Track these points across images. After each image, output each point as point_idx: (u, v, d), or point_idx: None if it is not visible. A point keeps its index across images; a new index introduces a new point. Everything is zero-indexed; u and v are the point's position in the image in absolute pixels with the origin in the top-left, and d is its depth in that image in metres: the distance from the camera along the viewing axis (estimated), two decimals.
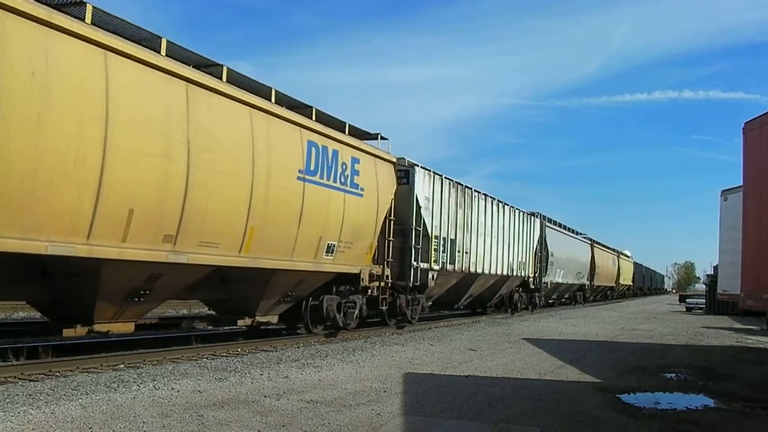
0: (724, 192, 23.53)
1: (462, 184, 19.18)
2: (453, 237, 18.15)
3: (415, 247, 15.89)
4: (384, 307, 15.39)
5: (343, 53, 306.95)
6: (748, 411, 7.63)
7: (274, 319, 12.82)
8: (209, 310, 13.92)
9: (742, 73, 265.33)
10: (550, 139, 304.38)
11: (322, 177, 12.14)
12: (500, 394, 7.91)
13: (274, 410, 6.57)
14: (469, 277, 20.12)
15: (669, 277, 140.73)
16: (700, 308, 37.13)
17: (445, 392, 7.95)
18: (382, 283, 14.99)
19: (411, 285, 16.06)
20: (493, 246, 21.78)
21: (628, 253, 63.77)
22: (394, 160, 15.37)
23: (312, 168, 11.83)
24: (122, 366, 9.13)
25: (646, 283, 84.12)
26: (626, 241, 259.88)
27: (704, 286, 44.38)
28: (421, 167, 16.31)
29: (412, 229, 15.82)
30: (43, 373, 8.19)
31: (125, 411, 6.25)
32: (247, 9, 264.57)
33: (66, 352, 9.65)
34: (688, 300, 43.05)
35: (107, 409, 6.31)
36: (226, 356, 10.56)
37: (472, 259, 19.78)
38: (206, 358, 10.33)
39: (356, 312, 14.27)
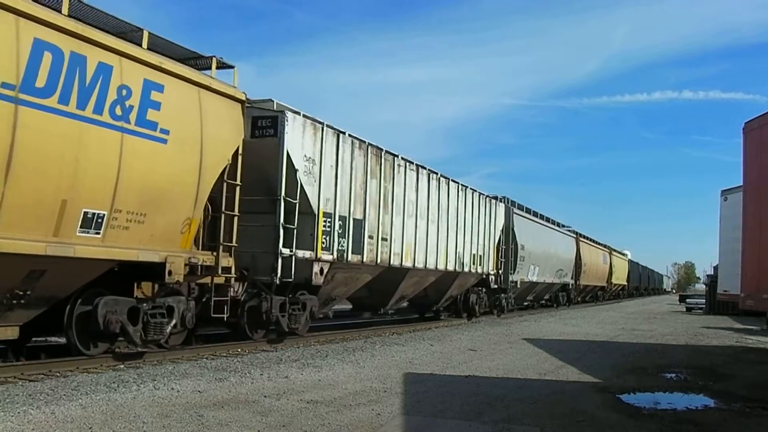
0: (724, 192, 23.55)
1: (380, 148, 14.46)
2: (359, 217, 13.51)
3: (284, 227, 11.34)
4: (224, 315, 10.58)
5: (343, 54, 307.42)
6: (748, 411, 7.63)
7: (11, 333, 8.06)
8: None
9: (742, 74, 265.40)
10: (549, 139, 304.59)
11: (66, 101, 7.62)
12: (500, 394, 7.91)
13: (274, 410, 6.57)
14: (394, 273, 15.54)
15: (669, 277, 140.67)
16: (700, 308, 37.16)
17: (445, 392, 7.95)
18: (221, 279, 10.45)
19: (278, 282, 11.42)
20: (431, 233, 16.94)
21: (627, 252, 63.16)
22: (242, 97, 10.58)
23: (42, 84, 7.33)
24: (122, 366, 9.13)
25: (643, 283, 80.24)
26: (626, 241, 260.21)
27: (704, 286, 44.43)
28: (303, 115, 11.91)
29: (280, 200, 11.31)
30: (43, 373, 8.19)
31: (125, 411, 6.25)
32: (248, 10, 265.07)
33: (66, 352, 9.65)
34: (688, 300, 43.10)
35: (107, 409, 6.31)
36: (226, 356, 10.55)
37: (396, 249, 15.06)
38: (206, 358, 10.33)
39: (173, 322, 9.73)
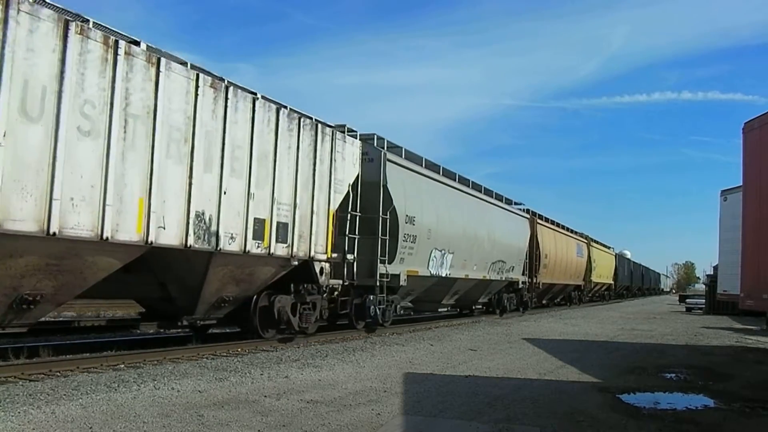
0: (724, 192, 23.59)
1: None
2: None
3: None
4: None
5: (344, 55, 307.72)
6: (748, 411, 7.64)
7: None
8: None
9: (741, 75, 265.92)
10: (549, 140, 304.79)
11: None
12: (500, 394, 7.92)
13: (275, 410, 6.58)
14: None
15: (668, 277, 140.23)
16: (700, 308, 37.19)
17: (445, 392, 7.95)
18: None
19: None
20: (91, 158, 7.83)
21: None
22: None
23: None
24: (122, 366, 9.13)
25: (636, 282, 69.22)
26: (626, 241, 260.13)
27: (704, 286, 44.45)
28: None
29: None
30: (43, 373, 8.19)
31: (125, 411, 6.25)
32: (249, 11, 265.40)
33: (66, 352, 9.66)
34: (687, 300, 43.17)
35: (107, 408, 6.31)
36: (226, 356, 10.56)
37: None
38: (206, 358, 10.33)
39: None
